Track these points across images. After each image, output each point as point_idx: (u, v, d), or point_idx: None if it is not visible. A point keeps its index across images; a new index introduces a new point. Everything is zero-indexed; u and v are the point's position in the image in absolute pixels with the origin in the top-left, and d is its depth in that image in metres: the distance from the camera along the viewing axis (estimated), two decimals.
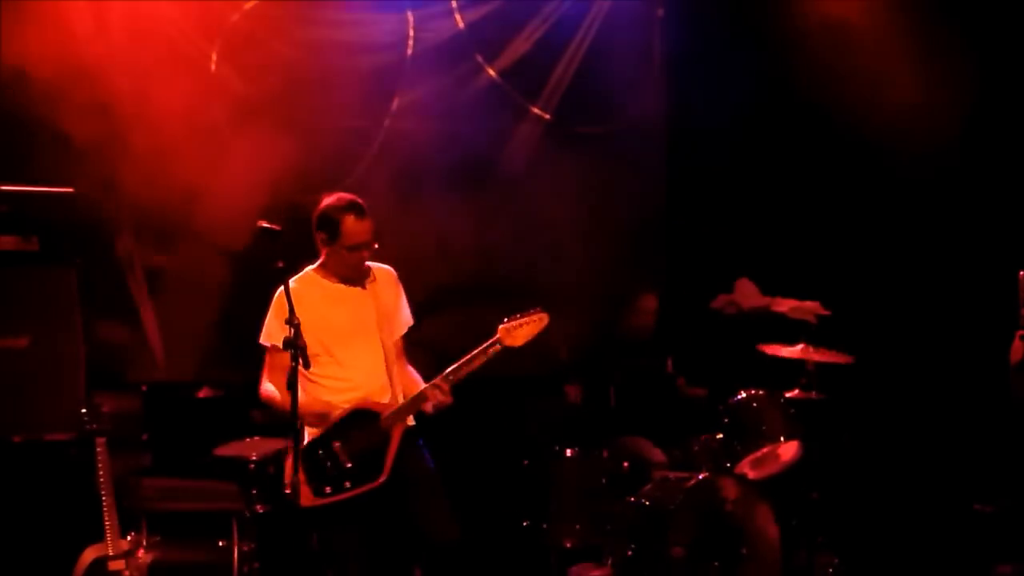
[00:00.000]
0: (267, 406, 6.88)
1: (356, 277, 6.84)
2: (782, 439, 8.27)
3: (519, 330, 6.72)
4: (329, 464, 6.71)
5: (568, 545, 8.29)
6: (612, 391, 8.91)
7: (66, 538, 7.45)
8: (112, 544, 7.22)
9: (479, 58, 9.86)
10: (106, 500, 7.16)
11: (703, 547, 7.86)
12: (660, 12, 10.30)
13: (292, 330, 6.14)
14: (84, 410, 7.31)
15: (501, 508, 8.86)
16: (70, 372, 7.84)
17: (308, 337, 6.35)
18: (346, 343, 6.85)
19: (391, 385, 6.86)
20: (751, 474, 8.28)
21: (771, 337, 8.51)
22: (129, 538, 7.34)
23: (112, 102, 8.49)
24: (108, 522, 7.18)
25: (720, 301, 9.41)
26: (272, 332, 6.75)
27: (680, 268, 10.29)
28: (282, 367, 6.50)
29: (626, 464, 8.40)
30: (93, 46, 8.39)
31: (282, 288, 6.48)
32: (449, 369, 6.70)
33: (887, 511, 8.94)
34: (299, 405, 6.32)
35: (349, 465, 6.70)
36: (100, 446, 7.23)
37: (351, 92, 9.38)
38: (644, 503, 8.10)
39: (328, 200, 6.79)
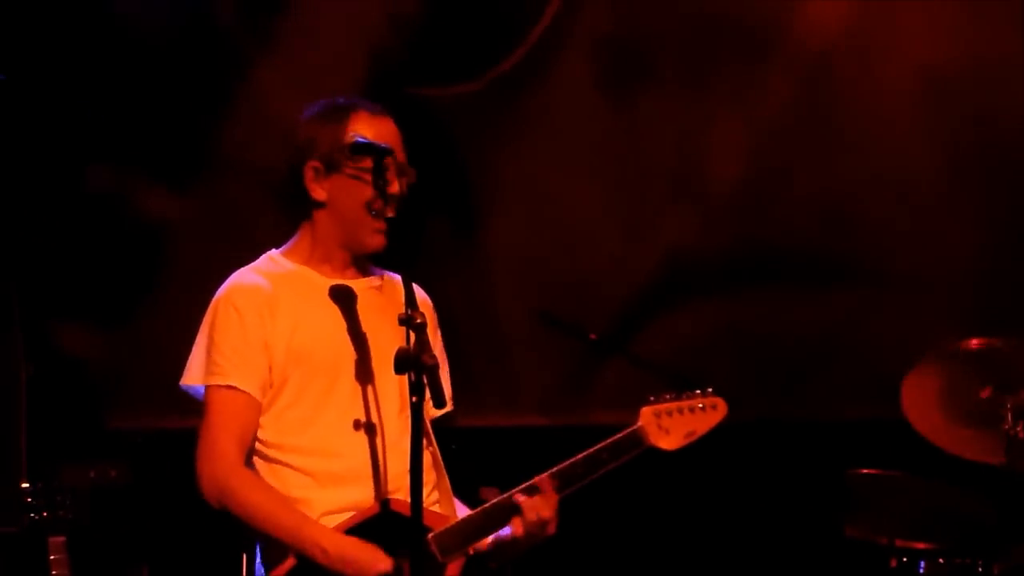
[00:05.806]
0: (225, 510, 4.56)
1: (366, 245, 4.65)
2: None
3: (677, 419, 4.68)
4: None
5: None
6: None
7: None
8: None
9: None
10: None
11: None
12: None
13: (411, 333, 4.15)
14: (26, 485, 5.80)
15: None
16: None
17: (275, 371, 4.60)
18: (345, 378, 4.66)
19: (433, 473, 4.72)
20: None
21: None
22: None
23: None
24: None
25: None
26: (226, 363, 4.67)
27: None
28: (245, 424, 4.60)
29: None
30: None
31: (229, 288, 4.65)
32: (559, 468, 4.57)
33: None
34: (272, 518, 4.41)
35: None
36: (55, 550, 5.66)
37: None
38: None
39: (311, 107, 4.78)
